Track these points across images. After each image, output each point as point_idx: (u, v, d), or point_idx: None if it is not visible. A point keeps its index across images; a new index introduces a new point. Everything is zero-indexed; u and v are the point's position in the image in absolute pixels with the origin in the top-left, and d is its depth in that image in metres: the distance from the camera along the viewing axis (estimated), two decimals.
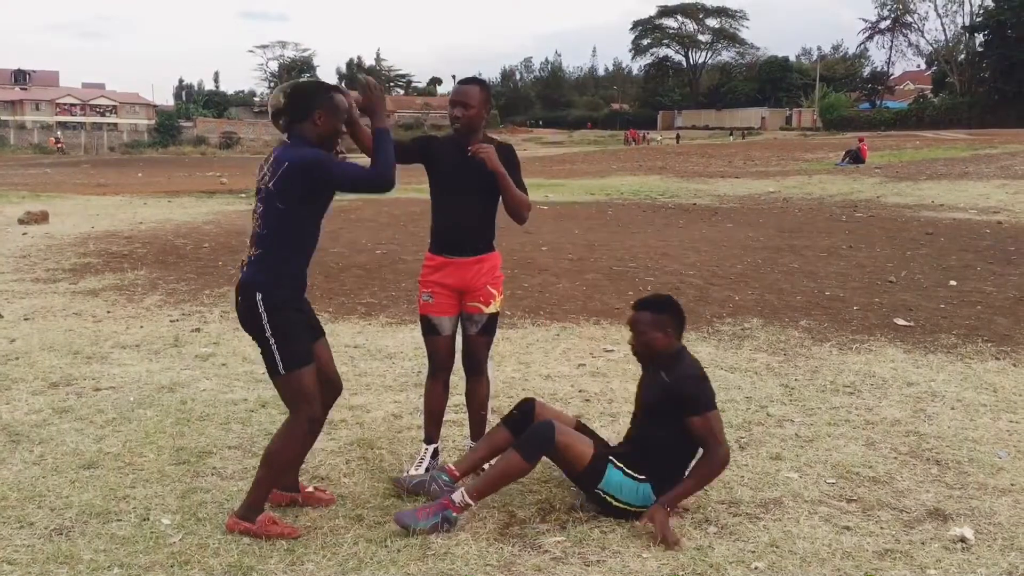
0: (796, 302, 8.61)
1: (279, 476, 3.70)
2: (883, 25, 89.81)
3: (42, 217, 15.66)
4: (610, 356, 6.57)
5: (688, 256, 11.47)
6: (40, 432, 4.78)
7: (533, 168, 35.89)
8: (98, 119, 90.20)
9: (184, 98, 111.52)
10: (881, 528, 3.70)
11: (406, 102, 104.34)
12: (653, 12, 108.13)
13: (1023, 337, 7.22)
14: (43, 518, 3.70)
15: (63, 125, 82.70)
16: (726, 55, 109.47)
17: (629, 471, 3.75)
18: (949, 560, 3.41)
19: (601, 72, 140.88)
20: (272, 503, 3.74)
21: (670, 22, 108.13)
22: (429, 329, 4.23)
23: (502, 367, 6.21)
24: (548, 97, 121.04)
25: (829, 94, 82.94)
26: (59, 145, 67.25)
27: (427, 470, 4.18)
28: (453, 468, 3.97)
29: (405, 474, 4.17)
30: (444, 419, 4.46)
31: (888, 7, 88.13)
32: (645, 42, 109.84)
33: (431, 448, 4.30)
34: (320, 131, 3.57)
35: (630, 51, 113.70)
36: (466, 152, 4.06)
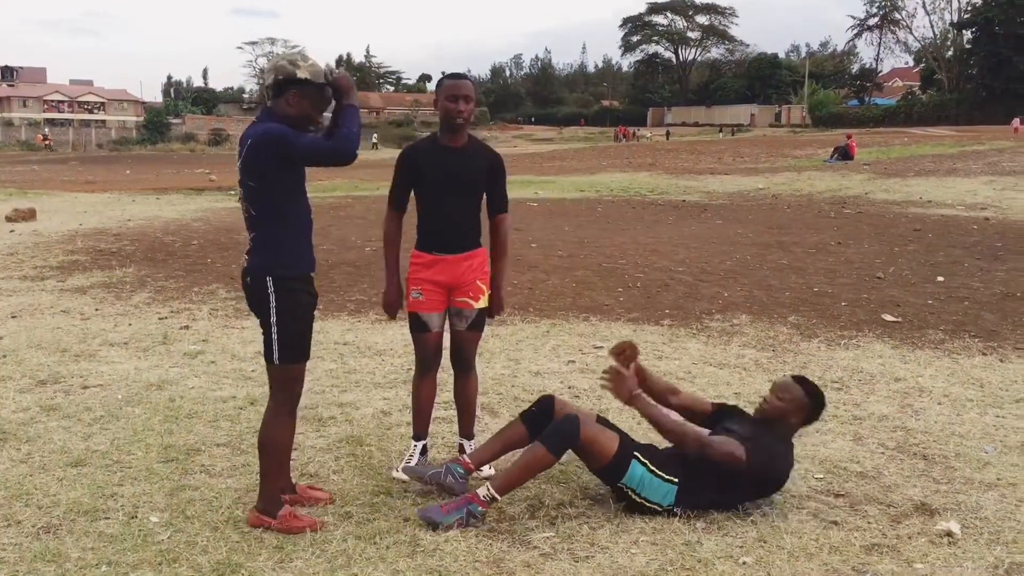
0: (785, 298, 8.64)
1: (281, 461, 3.69)
2: (872, 22, 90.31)
3: (30, 214, 15.60)
4: (599, 353, 6.58)
5: (678, 253, 11.49)
6: (27, 430, 4.76)
7: (523, 165, 35.92)
8: (86, 116, 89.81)
9: (173, 95, 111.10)
10: (868, 523, 3.72)
11: (396, 99, 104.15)
12: (643, 9, 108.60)
13: (1010, 333, 7.26)
14: (30, 516, 3.69)
15: (51, 122, 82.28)
16: (715, 52, 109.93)
17: (657, 469, 3.75)
18: (936, 554, 3.43)
19: (591, 69, 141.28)
20: None
21: (660, 19, 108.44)
22: (419, 326, 4.23)
23: (491, 363, 6.21)
24: (538, 94, 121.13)
25: (818, 91, 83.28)
26: (47, 142, 66.98)
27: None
28: (468, 461, 3.98)
29: (395, 472, 4.17)
30: (433, 416, 4.47)
31: (877, 4, 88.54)
32: (635, 39, 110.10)
33: (420, 445, 4.31)
34: (292, 111, 3.53)
35: (620, 48, 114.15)
36: (448, 150, 4.10)
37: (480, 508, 3.63)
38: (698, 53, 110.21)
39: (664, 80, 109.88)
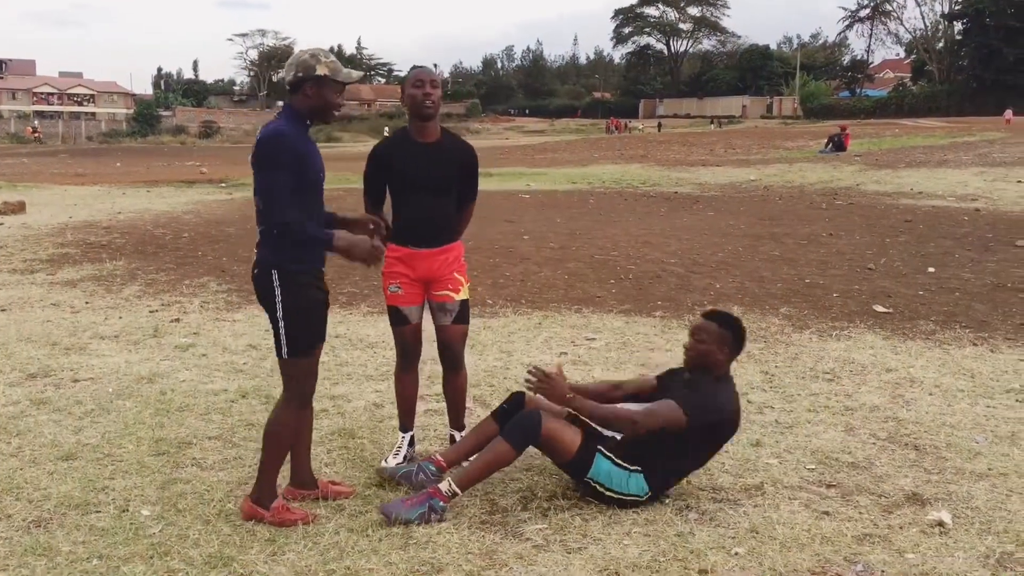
0: (776, 289, 8.65)
1: (281, 456, 3.67)
2: (863, 13, 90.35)
3: (19, 207, 15.51)
4: (591, 344, 6.58)
5: (669, 244, 11.50)
6: (18, 424, 4.74)
7: (515, 157, 35.89)
8: (76, 108, 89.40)
9: (163, 87, 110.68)
10: (860, 513, 3.73)
11: (387, 91, 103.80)
12: (635, 1, 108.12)
13: (1000, 323, 7.28)
14: (21, 510, 3.67)
15: (40, 114, 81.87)
16: (707, 43, 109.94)
17: (620, 461, 3.75)
18: (927, 544, 3.44)
19: (583, 61, 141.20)
20: (295, 501, 3.75)
21: (651, 10, 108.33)
22: (399, 320, 4.23)
23: (484, 356, 6.21)
24: (530, 86, 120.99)
25: (809, 82, 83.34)
26: (36, 134, 66.55)
27: (405, 458, 4.20)
28: (440, 459, 3.97)
29: (384, 463, 4.17)
30: (425, 409, 4.47)
31: None
32: (627, 30, 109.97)
33: (407, 436, 4.31)
34: (312, 102, 3.50)
35: (612, 40, 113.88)
36: (421, 146, 4.07)
37: (441, 503, 3.62)
38: (690, 45, 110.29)
39: (656, 72, 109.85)
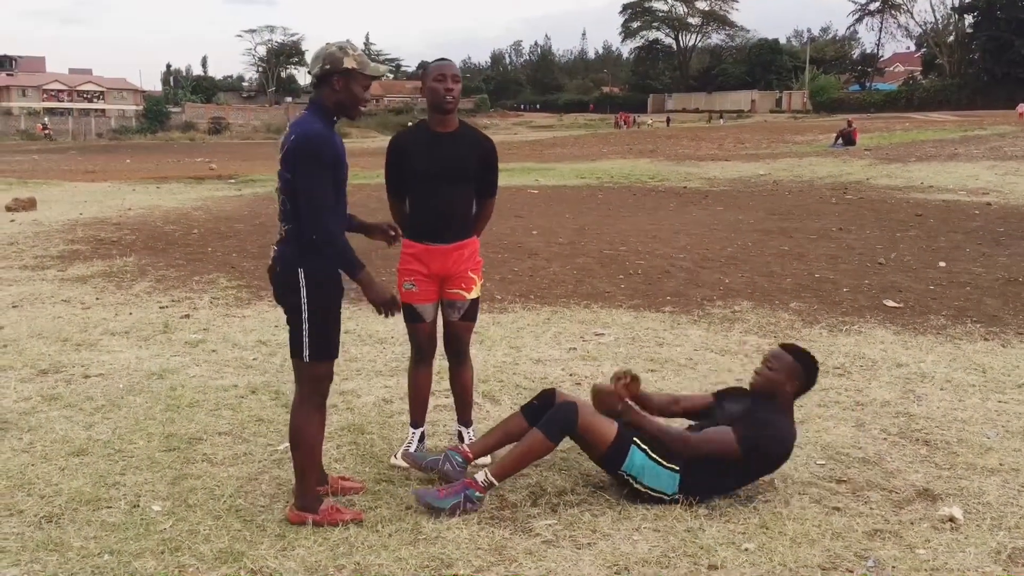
0: (786, 284, 8.63)
1: (315, 455, 3.63)
2: (873, 7, 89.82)
3: (30, 204, 15.58)
4: (601, 340, 6.57)
5: (679, 239, 11.47)
6: (29, 420, 4.76)
7: (523, 152, 35.88)
8: (85, 105, 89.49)
9: (172, 83, 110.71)
10: (871, 509, 3.72)
11: (396, 87, 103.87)
12: None
13: (1012, 318, 7.25)
14: (33, 506, 3.69)
15: (50, 111, 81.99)
16: (716, 38, 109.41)
17: (657, 456, 3.74)
18: (938, 540, 3.43)
19: (591, 55, 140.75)
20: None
21: (660, 4, 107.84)
22: (413, 317, 4.22)
23: (493, 351, 6.21)
24: (538, 81, 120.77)
25: (819, 76, 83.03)
26: (46, 131, 66.85)
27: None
28: (467, 450, 3.98)
29: (394, 459, 4.18)
30: (434, 404, 4.47)
31: None
32: (635, 25, 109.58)
33: (418, 432, 4.31)
34: (339, 96, 3.47)
35: (620, 34, 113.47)
36: (438, 135, 4.06)
37: (477, 493, 3.64)
38: (698, 39, 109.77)
39: (664, 66, 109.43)
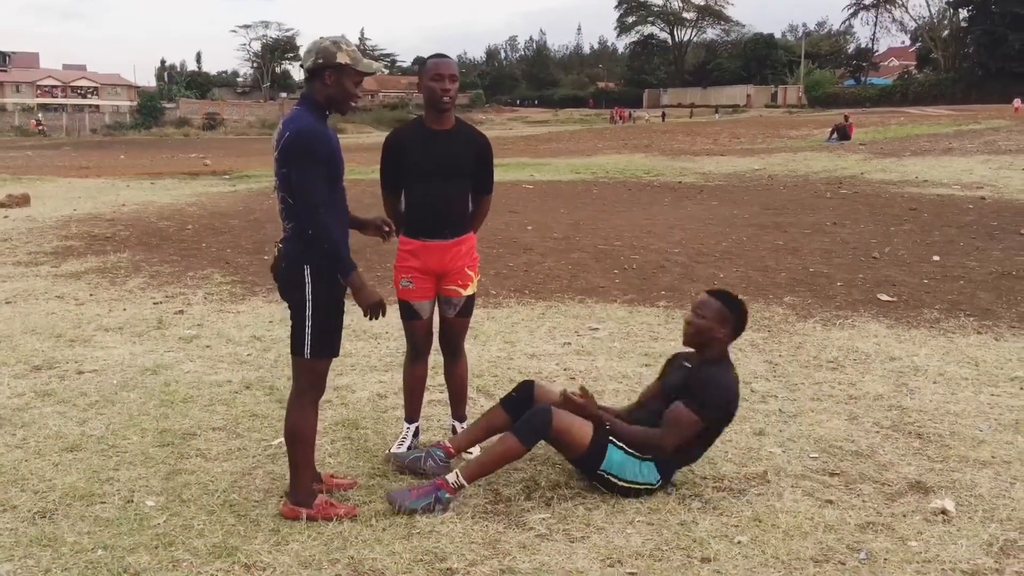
0: (780, 279, 8.64)
1: (308, 452, 3.63)
2: (867, 1, 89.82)
3: (23, 200, 15.54)
4: (595, 334, 6.58)
5: (673, 234, 11.48)
6: (22, 415, 4.75)
7: (518, 147, 35.85)
8: (80, 101, 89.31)
9: (167, 79, 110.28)
10: (863, 501, 3.73)
11: (391, 82, 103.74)
12: None
13: (1005, 311, 7.27)
14: (26, 501, 3.69)
15: (44, 107, 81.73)
16: (711, 33, 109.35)
17: (631, 450, 3.76)
18: (930, 532, 3.44)
19: (586, 50, 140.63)
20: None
21: None
22: (410, 314, 4.23)
23: (487, 346, 6.21)
24: (533, 76, 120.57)
25: (814, 71, 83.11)
26: (40, 127, 66.63)
27: (409, 449, 4.20)
28: (449, 445, 3.99)
29: (389, 451, 4.18)
30: (429, 399, 4.48)
31: None
32: (630, 20, 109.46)
33: (412, 427, 4.32)
34: (330, 91, 3.46)
35: (615, 29, 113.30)
36: (434, 132, 4.07)
37: (447, 494, 3.63)
38: (694, 34, 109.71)
39: (660, 61, 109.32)
